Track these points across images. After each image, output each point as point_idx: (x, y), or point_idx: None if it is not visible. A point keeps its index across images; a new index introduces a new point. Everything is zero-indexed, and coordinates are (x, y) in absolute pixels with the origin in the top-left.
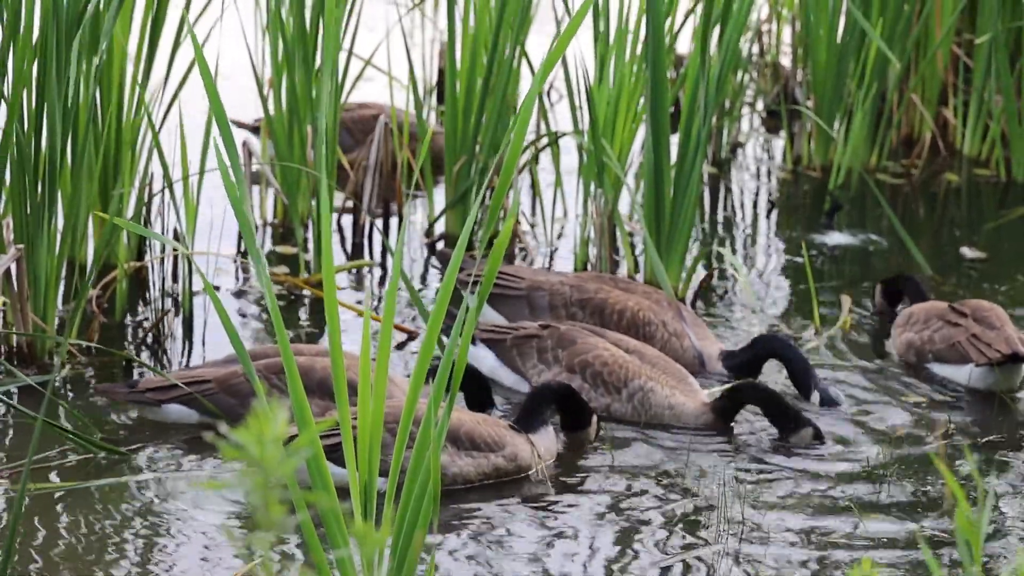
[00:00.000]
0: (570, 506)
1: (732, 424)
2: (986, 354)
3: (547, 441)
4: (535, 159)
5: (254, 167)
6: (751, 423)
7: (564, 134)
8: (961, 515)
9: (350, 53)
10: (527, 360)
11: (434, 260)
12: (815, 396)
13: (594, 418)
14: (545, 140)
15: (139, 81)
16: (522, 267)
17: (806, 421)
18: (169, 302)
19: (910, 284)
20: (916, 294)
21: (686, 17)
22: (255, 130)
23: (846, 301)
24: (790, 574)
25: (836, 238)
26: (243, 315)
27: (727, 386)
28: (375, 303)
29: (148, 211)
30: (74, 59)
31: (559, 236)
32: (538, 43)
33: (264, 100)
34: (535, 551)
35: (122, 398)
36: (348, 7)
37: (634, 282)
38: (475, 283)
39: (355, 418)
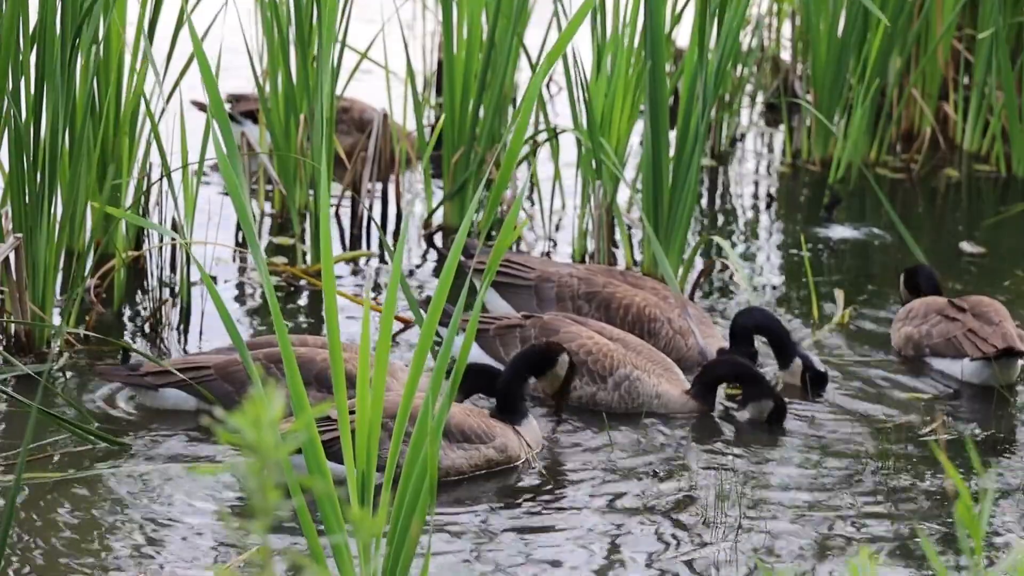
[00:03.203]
0: (565, 498)
1: (715, 410)
2: (981, 348)
3: (533, 432)
4: (533, 153)
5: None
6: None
7: (562, 131)
8: (962, 507)
9: (343, 44)
10: (511, 350)
11: (432, 252)
12: (796, 363)
13: (563, 356)
14: (544, 136)
15: (138, 70)
16: (533, 257)
17: (773, 395)
18: (167, 291)
19: (922, 274)
20: (927, 283)
21: (684, 7)
22: (248, 114)
23: (840, 295)
24: (788, 567)
25: (835, 232)
26: (242, 305)
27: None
28: (373, 294)
29: (147, 200)
30: (83, 50)
31: (557, 228)
32: (536, 34)
33: (261, 89)
34: (529, 543)
35: (120, 380)
36: None
37: (643, 277)
38: (476, 271)
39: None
